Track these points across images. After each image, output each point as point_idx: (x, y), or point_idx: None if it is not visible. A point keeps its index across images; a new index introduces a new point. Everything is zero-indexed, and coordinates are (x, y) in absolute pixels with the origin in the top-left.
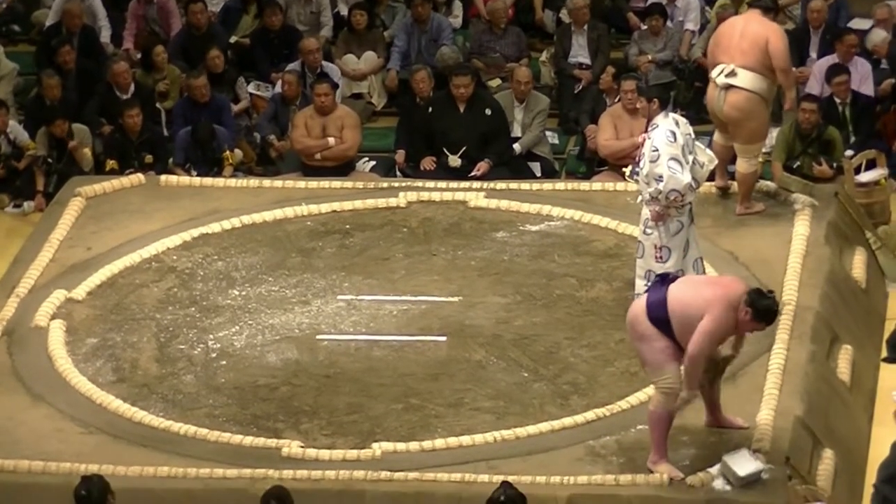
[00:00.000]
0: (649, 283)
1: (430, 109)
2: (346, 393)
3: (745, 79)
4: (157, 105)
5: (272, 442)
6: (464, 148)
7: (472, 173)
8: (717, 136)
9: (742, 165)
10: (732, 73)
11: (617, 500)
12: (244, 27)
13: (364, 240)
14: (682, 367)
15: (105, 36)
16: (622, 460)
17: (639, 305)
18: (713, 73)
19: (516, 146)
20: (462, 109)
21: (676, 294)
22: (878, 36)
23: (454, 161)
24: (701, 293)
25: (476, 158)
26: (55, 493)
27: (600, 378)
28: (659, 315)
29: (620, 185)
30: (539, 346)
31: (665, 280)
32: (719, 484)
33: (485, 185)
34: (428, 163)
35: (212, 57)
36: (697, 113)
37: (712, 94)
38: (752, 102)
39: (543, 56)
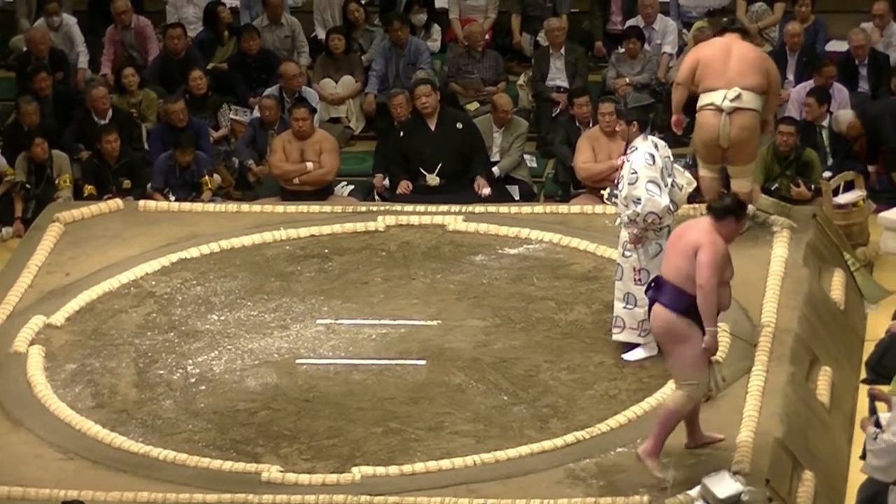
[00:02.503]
0: (640, 297)
1: (402, 133)
2: (325, 417)
3: (749, 99)
4: (139, 123)
5: (252, 467)
6: (440, 165)
7: (482, 193)
8: (706, 171)
9: (744, 185)
10: (738, 97)
11: None
12: (219, 58)
13: (343, 264)
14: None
15: (83, 62)
16: (602, 483)
17: (661, 310)
18: (715, 100)
19: (495, 169)
20: (433, 128)
21: (667, 271)
22: (846, 117)
23: (433, 180)
24: (684, 245)
25: (453, 174)
26: None
27: (580, 401)
28: (680, 306)
29: (599, 208)
30: (518, 369)
31: (653, 283)
32: None
33: (463, 208)
34: (404, 187)
35: (194, 78)
36: (676, 136)
37: (713, 122)
38: (755, 120)
39: (521, 79)
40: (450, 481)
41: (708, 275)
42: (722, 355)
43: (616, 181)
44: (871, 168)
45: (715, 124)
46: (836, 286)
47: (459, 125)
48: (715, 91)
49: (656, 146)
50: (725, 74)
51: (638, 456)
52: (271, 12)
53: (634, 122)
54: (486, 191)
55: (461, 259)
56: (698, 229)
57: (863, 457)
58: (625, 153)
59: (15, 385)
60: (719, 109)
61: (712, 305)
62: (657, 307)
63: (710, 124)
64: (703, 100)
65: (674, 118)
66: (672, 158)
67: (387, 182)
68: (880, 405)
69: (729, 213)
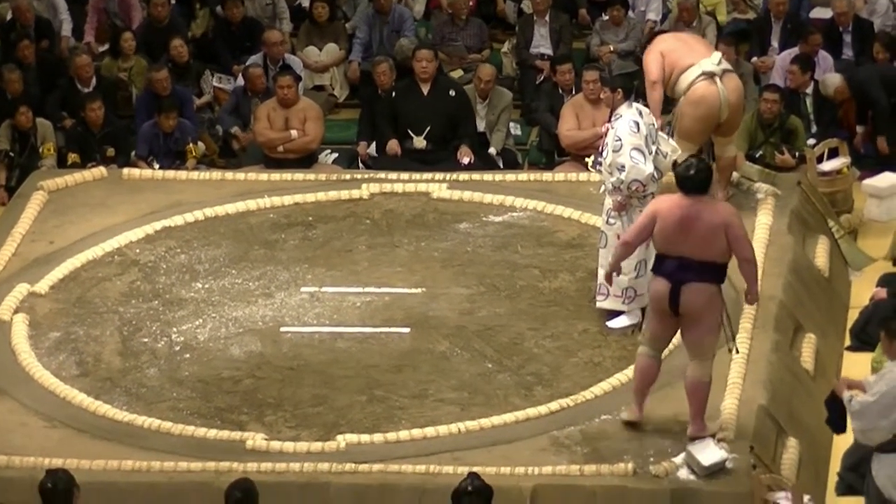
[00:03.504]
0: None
1: (394, 94)
2: (309, 385)
3: (727, 63)
4: (128, 85)
5: (236, 435)
6: (428, 129)
7: (462, 162)
8: (717, 150)
9: (732, 150)
10: (720, 60)
11: (581, 490)
12: (193, 31)
13: (327, 232)
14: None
15: (66, 29)
16: (586, 450)
17: (703, 286)
18: (704, 67)
19: (492, 150)
20: (426, 92)
21: (692, 251)
22: (834, 80)
23: (419, 142)
24: (707, 228)
25: (441, 139)
26: (20, 486)
27: (564, 368)
28: (716, 277)
29: (583, 176)
30: (503, 336)
31: (662, 263)
32: (684, 473)
33: (447, 175)
34: (393, 146)
35: (175, 46)
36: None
37: (713, 90)
38: (741, 82)
39: (505, 47)
40: (434, 449)
41: (750, 246)
42: None
43: (600, 149)
44: (859, 129)
45: (714, 91)
46: (821, 253)
47: (452, 92)
48: (696, 64)
49: (640, 113)
50: (695, 50)
51: (691, 440)
52: None
53: (619, 90)
54: (466, 160)
55: (445, 227)
56: (709, 209)
57: (828, 421)
58: (609, 121)
59: None
60: (711, 76)
61: (758, 271)
62: (696, 285)
63: (710, 93)
64: (690, 75)
65: (659, 122)
66: (657, 126)
67: (371, 150)
68: (855, 392)
69: (710, 180)
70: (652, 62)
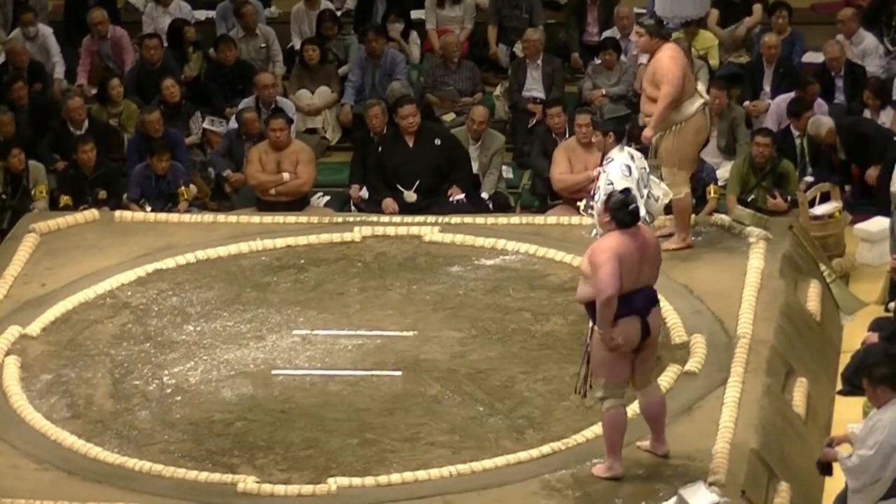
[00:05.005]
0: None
1: (380, 149)
2: (301, 428)
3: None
4: (119, 131)
5: (227, 477)
6: (417, 182)
7: (451, 199)
8: (688, 186)
9: None
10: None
11: None
12: (185, 74)
13: (319, 274)
14: None
15: (59, 72)
16: (578, 494)
17: (657, 309)
18: (705, 98)
19: (483, 195)
20: (411, 144)
21: (650, 279)
22: (828, 122)
23: (409, 196)
24: (655, 250)
25: (431, 190)
26: None
27: (555, 412)
28: (657, 295)
29: (575, 219)
30: (494, 380)
31: (630, 301)
32: None
33: (439, 219)
34: (390, 205)
35: (166, 86)
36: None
37: (706, 120)
38: None
39: (497, 90)
40: (425, 492)
41: None
42: (699, 366)
43: (592, 192)
44: (847, 188)
45: (706, 121)
46: (812, 297)
47: (438, 141)
48: (696, 92)
49: (632, 157)
50: (690, 76)
51: (663, 455)
52: (245, 22)
53: (611, 133)
54: (459, 196)
55: (437, 270)
56: (646, 234)
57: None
58: (601, 164)
59: None
60: (705, 106)
61: None
62: (656, 308)
63: (704, 122)
64: (693, 105)
65: (650, 133)
66: (648, 169)
67: (363, 193)
68: (844, 447)
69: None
70: (676, 80)
